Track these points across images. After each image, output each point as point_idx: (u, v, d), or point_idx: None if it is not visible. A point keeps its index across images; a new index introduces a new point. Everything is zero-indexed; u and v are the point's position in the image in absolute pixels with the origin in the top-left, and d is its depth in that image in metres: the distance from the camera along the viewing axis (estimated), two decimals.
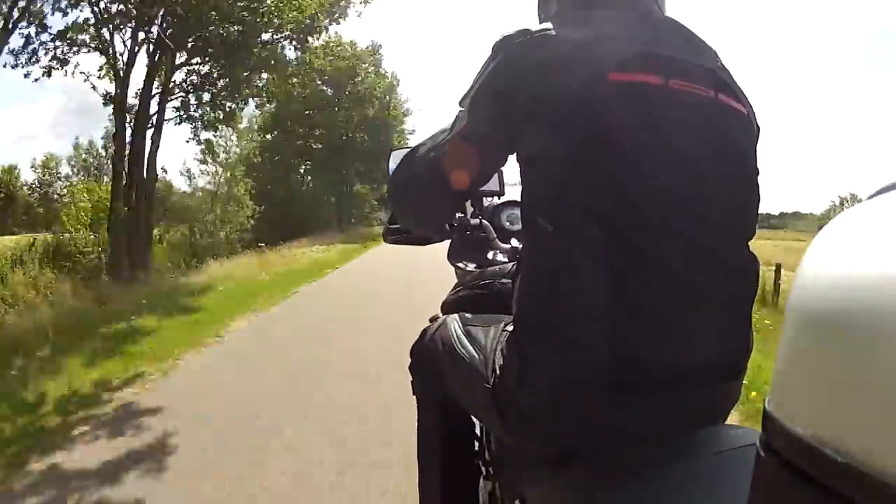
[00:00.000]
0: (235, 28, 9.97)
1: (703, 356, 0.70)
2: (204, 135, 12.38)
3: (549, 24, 0.75)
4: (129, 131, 9.85)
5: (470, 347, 0.89)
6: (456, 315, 1.02)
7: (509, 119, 0.73)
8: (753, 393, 2.58)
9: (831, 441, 0.29)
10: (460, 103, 0.80)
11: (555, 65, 0.69)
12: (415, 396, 1.16)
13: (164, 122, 10.46)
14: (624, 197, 0.68)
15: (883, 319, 0.28)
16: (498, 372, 0.76)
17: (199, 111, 11.29)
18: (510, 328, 0.77)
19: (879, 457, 0.27)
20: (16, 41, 11.56)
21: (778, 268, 6.25)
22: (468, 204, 1.33)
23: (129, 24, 9.57)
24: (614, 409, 0.68)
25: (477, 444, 1.16)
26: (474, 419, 1.11)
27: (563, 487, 0.70)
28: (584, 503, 0.65)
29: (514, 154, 0.77)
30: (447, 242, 1.31)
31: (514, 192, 1.34)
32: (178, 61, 10.44)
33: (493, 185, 1.29)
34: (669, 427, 0.70)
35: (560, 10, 0.83)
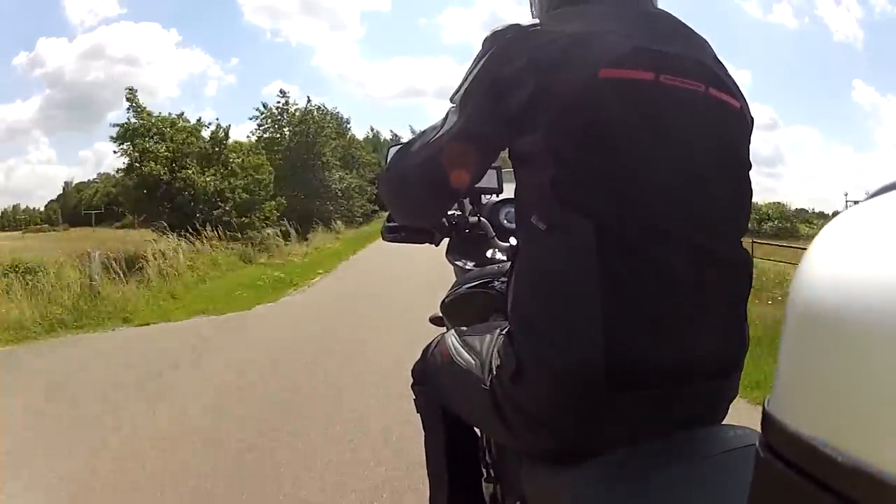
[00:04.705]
0: None
1: (699, 353, 0.70)
2: None
3: (540, 19, 0.75)
4: None
5: (467, 355, 0.89)
6: (452, 330, 1.03)
7: (501, 116, 0.72)
8: None
9: (831, 441, 0.29)
10: (451, 99, 0.80)
11: (546, 61, 0.69)
12: (419, 414, 1.16)
13: None
14: (616, 195, 0.68)
15: (883, 319, 0.28)
16: (495, 372, 0.76)
17: None
18: (506, 330, 0.77)
19: (879, 456, 0.27)
20: None
21: None
22: (466, 202, 1.32)
23: None
24: (611, 406, 0.68)
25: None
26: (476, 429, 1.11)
27: (563, 487, 0.70)
28: None
29: (507, 151, 0.77)
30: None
31: (512, 190, 1.34)
32: None
33: (490, 182, 1.28)
34: (667, 424, 0.70)
35: (553, 4, 0.82)
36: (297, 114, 21.54)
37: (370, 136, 37.94)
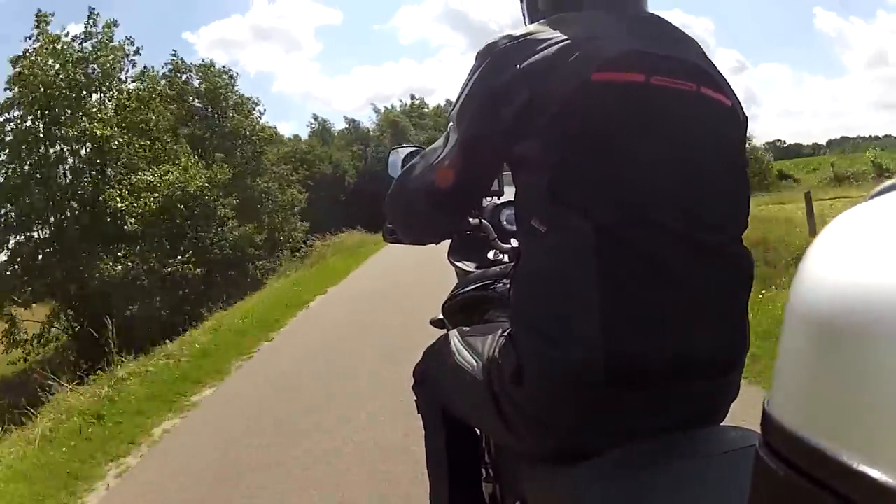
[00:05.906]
0: None
1: (699, 351, 0.70)
2: None
3: (532, 28, 0.76)
4: None
5: (469, 357, 0.89)
6: (455, 330, 1.03)
7: (498, 124, 0.73)
8: None
9: (831, 441, 0.29)
10: (449, 116, 0.81)
11: (539, 67, 0.70)
12: (420, 415, 1.16)
13: None
14: (613, 195, 0.68)
15: (883, 320, 0.28)
16: (496, 373, 0.77)
17: None
18: (508, 331, 0.77)
19: (879, 457, 0.27)
20: None
21: None
22: None
23: None
24: (611, 405, 0.68)
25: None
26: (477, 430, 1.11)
27: (563, 487, 0.70)
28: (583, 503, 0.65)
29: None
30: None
31: (513, 192, 1.34)
32: None
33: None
34: (667, 423, 0.70)
35: (544, 12, 0.83)
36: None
37: (316, 127, 30.75)
